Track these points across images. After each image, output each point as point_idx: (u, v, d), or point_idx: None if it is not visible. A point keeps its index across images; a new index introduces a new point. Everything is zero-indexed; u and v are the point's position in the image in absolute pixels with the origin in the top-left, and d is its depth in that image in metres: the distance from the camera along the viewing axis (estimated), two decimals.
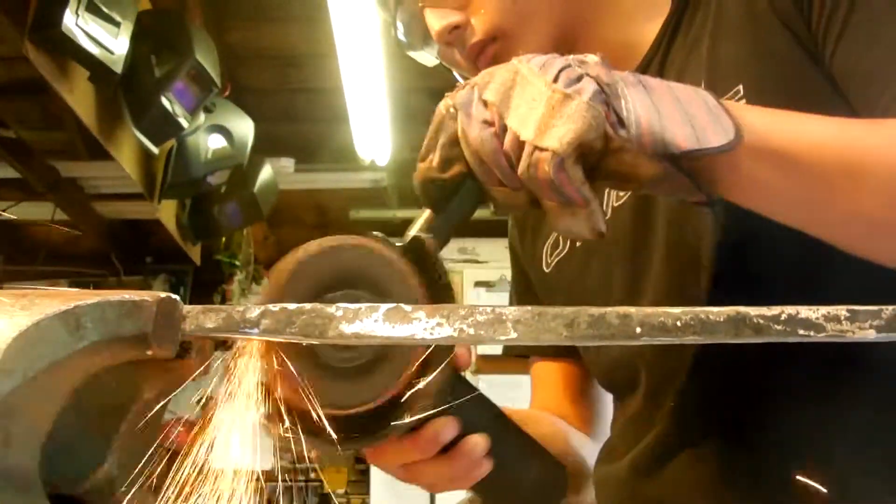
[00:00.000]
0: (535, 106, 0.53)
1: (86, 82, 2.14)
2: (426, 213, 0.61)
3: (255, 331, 0.43)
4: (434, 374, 0.55)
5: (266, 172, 3.06)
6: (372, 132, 3.22)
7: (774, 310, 0.44)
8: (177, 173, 2.62)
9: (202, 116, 2.58)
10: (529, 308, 0.43)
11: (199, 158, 2.63)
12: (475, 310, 0.43)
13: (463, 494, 0.80)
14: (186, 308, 0.42)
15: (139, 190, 2.75)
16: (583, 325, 0.43)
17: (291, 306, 0.43)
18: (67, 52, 1.91)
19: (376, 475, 3.97)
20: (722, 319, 0.44)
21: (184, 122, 2.31)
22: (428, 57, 0.89)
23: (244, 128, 2.75)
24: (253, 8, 2.92)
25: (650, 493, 0.78)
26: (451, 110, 0.57)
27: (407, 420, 0.57)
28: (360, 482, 4.38)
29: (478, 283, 4.20)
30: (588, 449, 0.90)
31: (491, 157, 0.55)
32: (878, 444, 0.68)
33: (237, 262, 3.82)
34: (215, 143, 2.70)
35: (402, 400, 0.56)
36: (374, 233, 0.58)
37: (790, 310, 0.45)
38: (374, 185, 3.81)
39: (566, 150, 0.51)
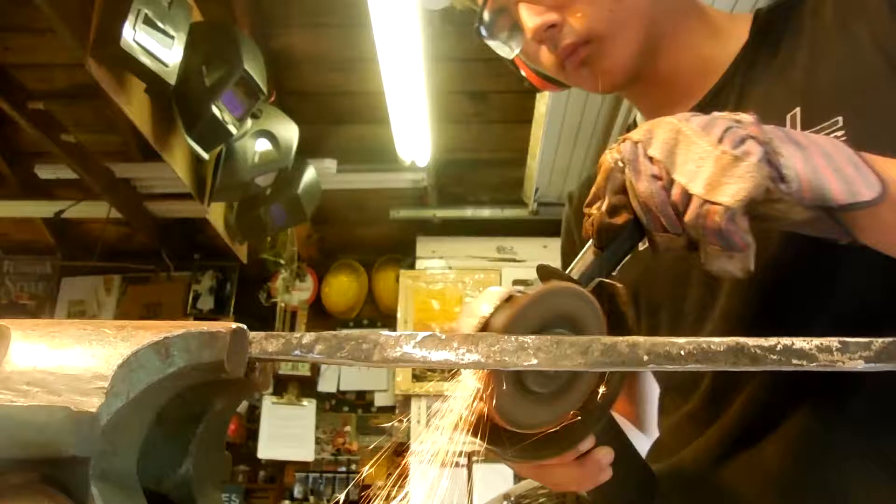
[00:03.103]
0: (703, 164, 0.58)
1: (142, 93, 2.25)
2: (591, 250, 0.66)
3: (311, 354, 0.49)
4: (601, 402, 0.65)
5: (309, 174, 3.15)
6: (412, 134, 3.28)
7: (771, 341, 0.49)
8: (226, 177, 2.73)
9: (249, 122, 2.67)
10: (548, 338, 0.49)
11: (246, 162, 2.72)
12: (501, 339, 0.48)
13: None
14: (252, 334, 0.49)
15: (189, 190, 2.87)
16: (596, 353, 0.48)
17: (341, 333, 0.49)
18: (126, 66, 2.01)
19: (415, 469, 4.03)
20: (722, 349, 0.49)
21: (232, 129, 2.39)
22: (505, 48, 0.89)
23: (289, 132, 2.84)
24: (298, 15, 3.01)
25: (710, 489, 0.80)
26: (619, 164, 0.62)
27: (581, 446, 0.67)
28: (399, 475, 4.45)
29: (515, 282, 4.24)
30: (642, 444, 0.92)
31: (660, 207, 0.60)
32: None
33: (282, 261, 3.94)
34: (262, 146, 2.79)
35: (572, 425, 0.64)
36: (573, 281, 0.63)
37: (785, 341, 0.49)
38: (414, 186, 3.88)
39: (738, 205, 0.57)
